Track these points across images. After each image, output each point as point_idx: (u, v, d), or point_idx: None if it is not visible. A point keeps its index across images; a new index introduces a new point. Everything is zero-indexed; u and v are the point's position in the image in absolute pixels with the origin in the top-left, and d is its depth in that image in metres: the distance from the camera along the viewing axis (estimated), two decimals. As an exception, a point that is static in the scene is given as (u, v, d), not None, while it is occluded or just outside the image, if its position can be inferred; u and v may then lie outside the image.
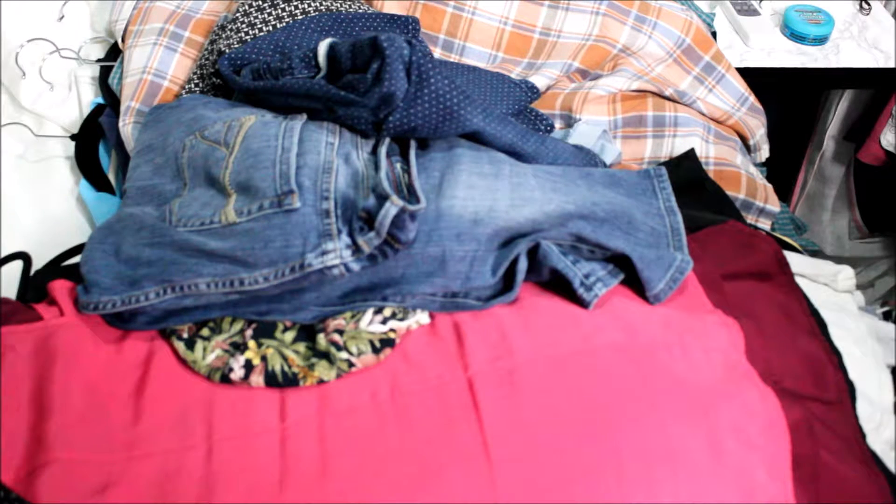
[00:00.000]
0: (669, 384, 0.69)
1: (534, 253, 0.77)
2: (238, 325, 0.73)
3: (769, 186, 1.07)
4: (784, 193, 1.77)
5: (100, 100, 1.12)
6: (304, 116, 0.84)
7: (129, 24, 1.10)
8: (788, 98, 1.70)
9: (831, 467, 0.68)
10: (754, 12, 1.46)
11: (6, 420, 0.64)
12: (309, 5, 1.02)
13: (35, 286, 0.79)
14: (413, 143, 0.83)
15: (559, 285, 0.77)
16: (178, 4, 1.11)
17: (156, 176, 0.85)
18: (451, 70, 1.08)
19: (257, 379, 0.68)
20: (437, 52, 1.14)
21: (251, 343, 0.71)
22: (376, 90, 0.79)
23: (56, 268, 0.85)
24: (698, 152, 1.04)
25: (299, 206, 0.72)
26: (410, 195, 0.76)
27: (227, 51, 0.97)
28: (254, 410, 0.67)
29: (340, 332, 0.71)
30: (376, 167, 0.79)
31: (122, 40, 1.10)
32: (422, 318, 0.74)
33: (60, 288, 0.75)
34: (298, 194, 0.72)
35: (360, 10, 1.06)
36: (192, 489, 0.62)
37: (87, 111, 1.12)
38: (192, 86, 1.01)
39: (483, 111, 0.84)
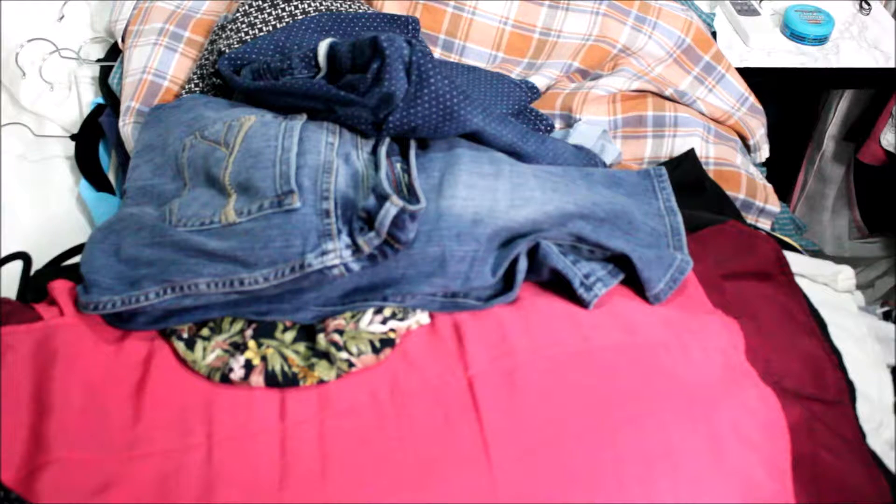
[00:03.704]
0: (669, 384, 0.69)
1: (534, 253, 0.77)
2: (238, 325, 0.73)
3: (769, 186, 1.07)
4: (784, 193, 1.77)
5: (100, 100, 1.12)
6: (304, 116, 0.84)
7: (129, 24, 1.10)
8: (788, 98, 1.70)
9: (831, 467, 0.68)
10: (754, 12, 1.46)
11: (6, 420, 0.64)
12: (309, 5, 1.02)
13: (35, 286, 0.79)
14: (413, 143, 0.83)
15: (559, 285, 0.77)
16: (178, 4, 1.11)
17: (156, 176, 0.85)
18: (451, 70, 1.08)
19: (257, 379, 0.68)
20: (437, 52, 1.14)
21: (251, 343, 0.71)
22: (376, 90, 0.79)
23: (56, 268, 0.85)
24: (698, 152, 1.04)
25: (299, 206, 0.72)
26: (410, 195, 0.76)
27: (227, 51, 0.97)
28: (254, 410, 0.67)
29: (340, 332, 0.71)
30: (376, 167, 0.79)
31: (122, 40, 1.10)
32: (422, 318, 0.74)
33: (60, 288, 0.75)
34: (298, 194, 0.72)
35: (360, 10, 1.06)
36: (192, 489, 0.62)
37: (87, 111, 1.12)
38: (192, 86, 1.01)
39: (483, 111, 0.84)
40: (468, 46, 1.14)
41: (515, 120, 0.96)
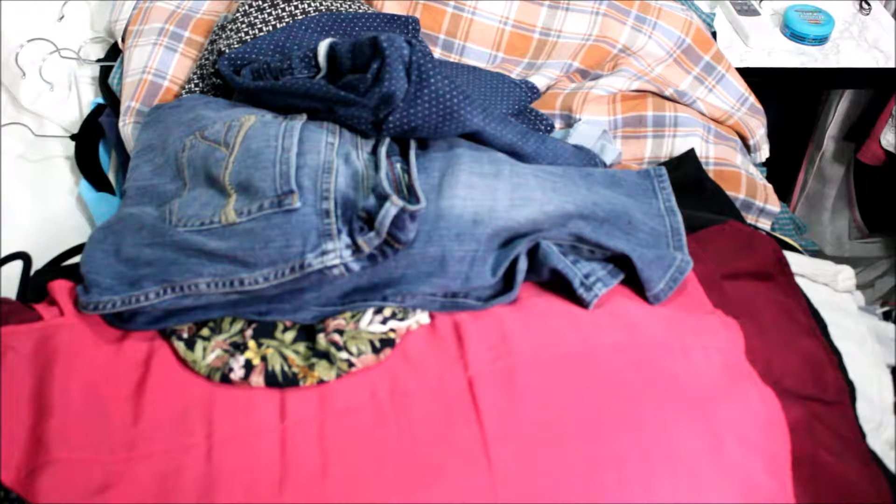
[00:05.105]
0: (669, 384, 0.69)
1: (534, 253, 0.77)
2: (238, 325, 0.73)
3: (769, 186, 1.07)
4: (784, 193, 1.77)
5: (100, 100, 1.12)
6: (304, 116, 0.84)
7: (129, 24, 1.10)
8: (788, 98, 1.70)
9: (831, 467, 0.68)
10: (754, 12, 1.46)
11: (6, 420, 0.64)
12: (309, 5, 1.02)
13: (35, 286, 0.79)
14: (413, 143, 0.83)
15: (559, 285, 0.77)
16: (178, 4, 1.11)
17: (156, 176, 0.85)
18: (451, 70, 1.08)
19: (257, 379, 0.68)
20: (437, 52, 1.14)
21: (251, 343, 0.71)
22: (376, 90, 0.79)
23: (56, 268, 0.85)
24: (698, 152, 1.04)
25: (299, 206, 0.72)
26: (410, 195, 0.76)
27: (227, 51, 0.97)
28: (254, 410, 0.67)
29: (340, 332, 0.71)
30: (376, 167, 0.79)
31: (122, 40, 1.10)
32: (422, 318, 0.74)
33: (60, 288, 0.75)
34: (298, 194, 0.72)
35: (360, 10, 1.06)
36: (192, 489, 0.62)
37: (87, 111, 1.12)
38: (192, 86, 1.01)
39: (483, 111, 0.84)
40: (468, 46, 1.14)
41: (515, 120, 0.96)
